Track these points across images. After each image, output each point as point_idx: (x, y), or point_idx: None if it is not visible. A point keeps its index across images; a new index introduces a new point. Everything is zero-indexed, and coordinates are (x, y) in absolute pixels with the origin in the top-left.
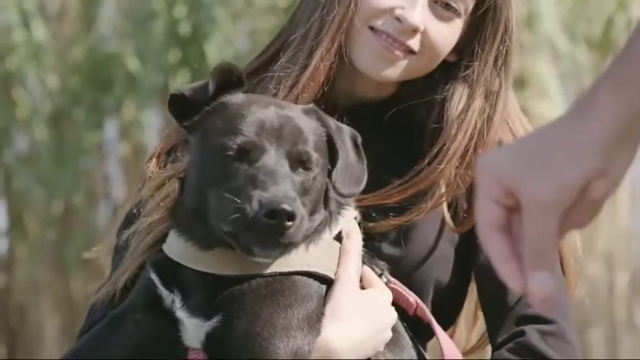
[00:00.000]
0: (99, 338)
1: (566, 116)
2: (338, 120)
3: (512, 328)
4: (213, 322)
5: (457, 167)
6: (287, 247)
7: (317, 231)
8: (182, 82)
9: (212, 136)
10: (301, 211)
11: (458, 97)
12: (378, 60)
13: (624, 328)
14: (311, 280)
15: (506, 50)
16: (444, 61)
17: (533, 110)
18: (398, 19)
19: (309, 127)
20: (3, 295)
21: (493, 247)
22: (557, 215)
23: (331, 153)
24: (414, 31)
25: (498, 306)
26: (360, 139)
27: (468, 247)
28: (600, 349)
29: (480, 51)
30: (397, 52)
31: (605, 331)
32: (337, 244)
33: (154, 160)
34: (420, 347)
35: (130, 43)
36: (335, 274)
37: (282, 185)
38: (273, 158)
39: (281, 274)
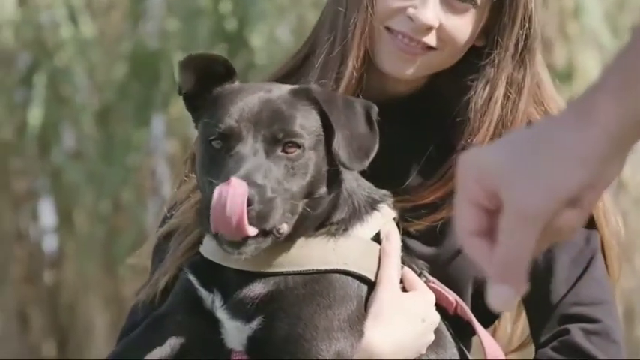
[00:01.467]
0: (141, 340)
1: (562, 121)
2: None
3: (555, 326)
4: (254, 324)
5: None
6: (259, 238)
7: (340, 224)
8: None
9: (202, 127)
10: (266, 195)
11: (481, 86)
12: (397, 60)
13: None
14: (349, 279)
15: (526, 34)
16: (474, 47)
17: None
18: (411, 18)
19: (292, 106)
20: (53, 293)
21: (474, 252)
22: (539, 228)
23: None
24: (429, 28)
25: (541, 304)
26: (375, 110)
27: None
28: None
29: (499, 38)
30: (415, 51)
31: None
32: (376, 245)
33: (189, 161)
34: (462, 346)
35: (177, 39)
36: (375, 276)
37: (242, 171)
38: (248, 145)
39: (318, 271)
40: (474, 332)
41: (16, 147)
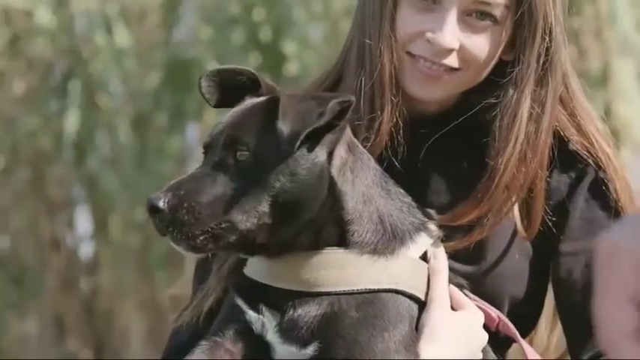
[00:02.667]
0: None
1: None
2: (406, 139)
3: (594, 345)
4: (310, 350)
5: (514, 175)
6: (180, 239)
7: (385, 242)
8: None
9: None
10: (171, 201)
11: (505, 104)
12: (422, 84)
13: None
14: (401, 298)
15: (547, 47)
16: (503, 61)
17: (616, 110)
18: (429, 42)
19: (251, 113)
20: (89, 300)
21: (631, 356)
22: None
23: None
24: (449, 51)
25: (581, 322)
26: (335, 104)
27: (544, 261)
28: None
29: (520, 54)
30: (438, 73)
31: None
32: (424, 264)
33: None
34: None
35: (210, 48)
36: (425, 295)
37: (175, 181)
38: (208, 157)
39: (370, 291)
40: (509, 344)
41: (52, 155)
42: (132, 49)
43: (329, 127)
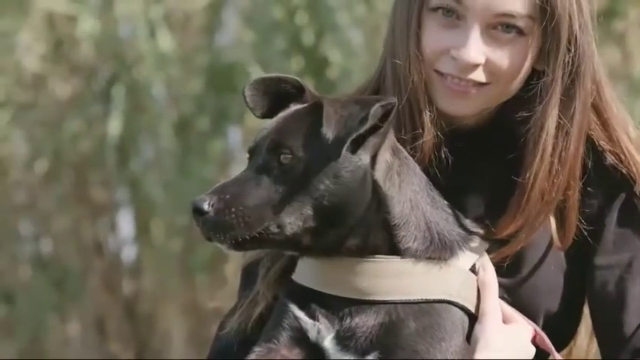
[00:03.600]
0: None
1: None
2: (446, 153)
3: (629, 358)
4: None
5: (544, 188)
6: (228, 241)
7: (434, 252)
8: None
9: None
10: (217, 204)
11: (534, 117)
12: (452, 100)
13: None
14: (454, 309)
15: (573, 57)
16: (536, 71)
17: None
18: (454, 58)
19: (294, 118)
20: (131, 303)
21: None
22: None
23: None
24: (475, 66)
25: (614, 335)
26: (378, 107)
27: (579, 275)
28: None
29: (545, 65)
30: (466, 89)
31: None
32: (474, 276)
33: None
34: None
35: (253, 52)
36: (475, 308)
37: (220, 185)
38: (252, 161)
39: (426, 301)
40: (545, 358)
41: (95, 159)
42: (175, 53)
43: (372, 130)
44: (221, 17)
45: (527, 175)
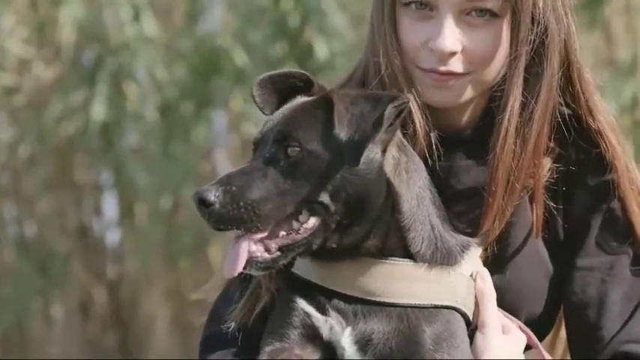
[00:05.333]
0: None
1: None
2: (442, 153)
3: None
4: None
5: (511, 168)
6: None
7: (442, 257)
8: None
9: None
10: (223, 197)
11: (502, 101)
12: (437, 93)
13: None
14: (458, 316)
15: (537, 35)
16: None
17: None
18: (432, 50)
19: (302, 110)
20: (114, 287)
21: None
22: None
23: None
24: (453, 53)
25: (592, 337)
26: (393, 107)
27: (562, 281)
28: None
29: (513, 44)
30: (448, 80)
31: None
32: (473, 283)
33: None
34: None
35: (237, 37)
36: (474, 316)
37: (225, 176)
38: (257, 153)
39: (434, 306)
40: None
41: (79, 142)
42: (159, 38)
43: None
44: (205, 2)
45: (492, 154)
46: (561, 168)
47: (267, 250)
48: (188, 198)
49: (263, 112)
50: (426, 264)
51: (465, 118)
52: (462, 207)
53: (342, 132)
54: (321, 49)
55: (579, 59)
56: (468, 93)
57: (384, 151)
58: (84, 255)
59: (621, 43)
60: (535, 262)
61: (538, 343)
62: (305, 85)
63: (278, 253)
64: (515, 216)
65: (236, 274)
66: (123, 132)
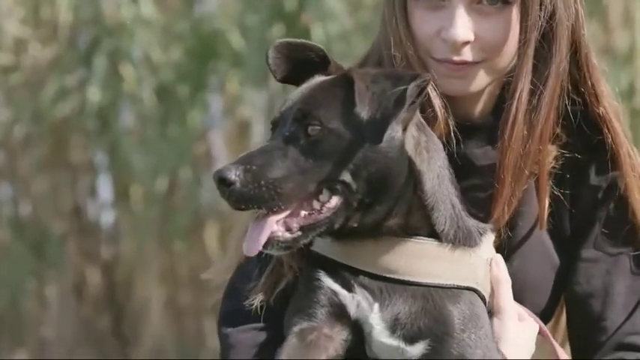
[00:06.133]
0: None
1: None
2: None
3: (612, 353)
4: (419, 349)
5: (519, 154)
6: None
7: (466, 238)
8: None
9: None
10: (243, 176)
11: (511, 87)
12: (452, 82)
13: None
14: (479, 298)
15: (546, 20)
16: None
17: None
18: (445, 40)
19: (321, 89)
20: (109, 269)
21: None
22: None
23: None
24: (465, 43)
25: (595, 327)
26: (415, 86)
27: (565, 273)
28: None
29: (523, 35)
30: (462, 69)
31: None
32: (488, 267)
33: None
34: None
35: (234, 20)
36: (490, 300)
37: (245, 155)
38: (276, 132)
39: (457, 287)
40: None
41: (75, 123)
42: (157, 20)
43: None
44: None
45: (500, 142)
46: (567, 155)
47: (289, 229)
48: (183, 180)
49: (274, 76)
50: (450, 244)
51: (479, 106)
52: (477, 193)
53: (363, 110)
54: (318, 33)
55: (587, 44)
56: (482, 81)
57: (404, 130)
58: (78, 236)
59: (619, 32)
60: (541, 253)
61: (547, 332)
62: (321, 62)
63: (299, 233)
64: (522, 205)
65: (256, 253)
66: (119, 113)
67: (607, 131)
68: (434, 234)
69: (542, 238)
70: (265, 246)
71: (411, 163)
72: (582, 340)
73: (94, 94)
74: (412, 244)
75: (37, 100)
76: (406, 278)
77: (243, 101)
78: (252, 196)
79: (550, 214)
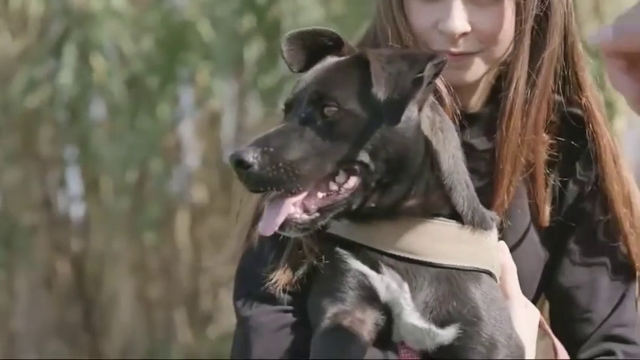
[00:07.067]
0: (338, 347)
1: None
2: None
3: (599, 345)
4: (452, 332)
5: (517, 144)
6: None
7: (482, 222)
8: (256, 51)
9: None
10: (261, 158)
11: (507, 78)
12: (451, 73)
13: None
14: (494, 281)
15: (542, 10)
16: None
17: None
18: (442, 32)
19: (336, 70)
20: (79, 261)
21: None
22: None
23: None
24: (462, 34)
25: (582, 321)
26: (432, 64)
27: (551, 266)
28: None
29: (519, 24)
30: (461, 59)
31: None
32: (498, 252)
33: None
34: None
35: (204, 10)
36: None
37: (261, 136)
38: (290, 114)
39: (476, 270)
40: None
41: (45, 114)
42: (127, 10)
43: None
44: None
45: (499, 132)
46: (560, 144)
47: (306, 211)
48: (154, 172)
49: (291, 69)
50: (470, 226)
51: (476, 96)
52: (475, 182)
53: (379, 91)
54: (289, 25)
55: (575, 32)
56: (479, 70)
57: (419, 111)
58: (48, 229)
59: (589, 24)
60: (531, 246)
61: (546, 325)
62: (334, 45)
63: (317, 214)
64: (513, 198)
65: (271, 233)
66: (89, 105)
67: (589, 121)
68: (454, 215)
69: (531, 230)
70: (282, 227)
71: (427, 143)
72: (568, 331)
73: (65, 85)
74: (434, 225)
75: (6, 91)
76: (427, 260)
77: (214, 93)
78: (270, 179)
79: (536, 206)
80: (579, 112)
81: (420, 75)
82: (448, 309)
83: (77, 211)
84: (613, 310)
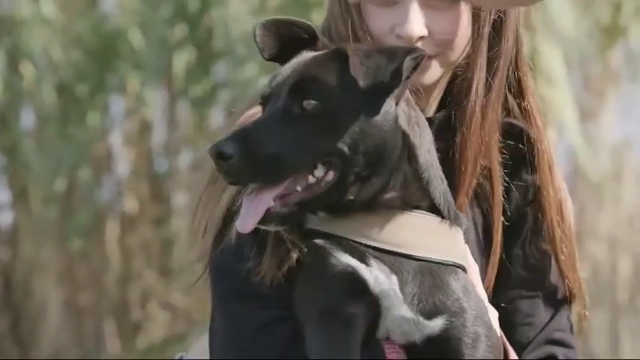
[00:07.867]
0: (341, 344)
1: None
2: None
3: (542, 348)
4: (439, 323)
5: (478, 146)
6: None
7: (458, 217)
8: (187, 59)
9: None
10: (241, 149)
11: (466, 82)
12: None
13: (626, 311)
14: (467, 276)
15: (495, 19)
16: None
17: (543, 93)
18: (399, 36)
19: (315, 64)
20: (7, 270)
21: None
22: None
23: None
24: (419, 38)
25: (525, 325)
26: (410, 58)
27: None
28: (602, 332)
29: (476, 29)
30: (419, 66)
31: (607, 313)
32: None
33: None
34: None
35: (136, 19)
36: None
37: (239, 129)
38: (269, 106)
39: (454, 264)
40: None
41: None
42: (57, 18)
43: None
44: None
45: (459, 135)
46: (509, 146)
47: (285, 204)
48: (83, 181)
49: (262, 55)
50: (448, 220)
51: (431, 99)
52: None
53: (358, 85)
54: (221, 34)
55: (522, 37)
56: (436, 73)
57: (396, 105)
58: None
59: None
60: (477, 249)
61: (498, 327)
62: (309, 39)
63: (295, 208)
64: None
65: (251, 229)
66: (18, 114)
67: (530, 125)
68: (433, 209)
69: (472, 234)
70: (262, 221)
71: (404, 137)
72: (511, 335)
73: None
74: (415, 217)
75: None
76: (411, 252)
77: (145, 101)
78: (250, 171)
79: (491, 207)
80: (519, 122)
81: (399, 69)
82: (434, 301)
83: (5, 219)
84: (553, 316)
